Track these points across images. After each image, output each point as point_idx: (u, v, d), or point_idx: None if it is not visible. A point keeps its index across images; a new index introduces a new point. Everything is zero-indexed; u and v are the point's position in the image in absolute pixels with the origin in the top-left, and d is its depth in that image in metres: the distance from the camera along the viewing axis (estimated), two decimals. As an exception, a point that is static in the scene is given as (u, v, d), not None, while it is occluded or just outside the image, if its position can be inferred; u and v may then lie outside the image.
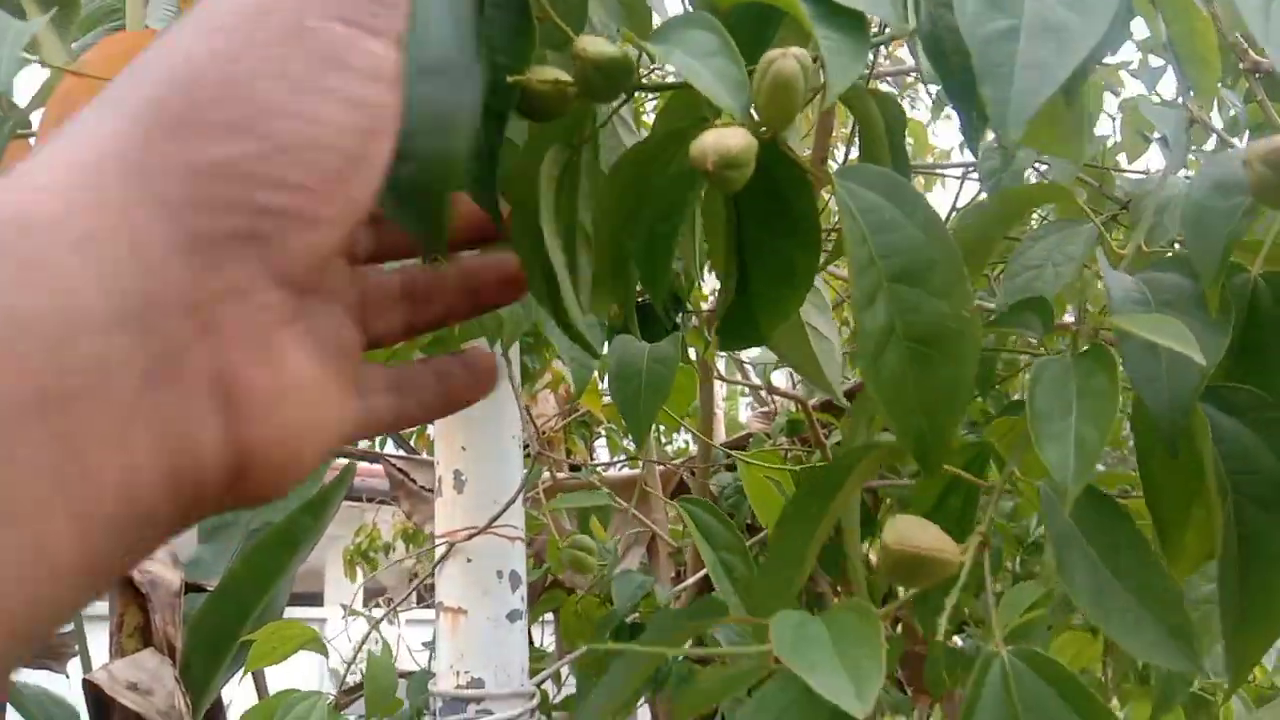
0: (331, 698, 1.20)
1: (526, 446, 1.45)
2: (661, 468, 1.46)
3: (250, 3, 0.23)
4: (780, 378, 1.59)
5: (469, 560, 1.44)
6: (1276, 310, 0.36)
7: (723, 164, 0.30)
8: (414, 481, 1.41)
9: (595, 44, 0.32)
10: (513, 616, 1.34)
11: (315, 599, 4.80)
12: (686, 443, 1.76)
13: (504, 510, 1.41)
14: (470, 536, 1.41)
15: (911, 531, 0.32)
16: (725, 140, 0.30)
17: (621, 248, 0.35)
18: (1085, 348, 0.39)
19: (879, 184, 0.33)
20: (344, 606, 1.40)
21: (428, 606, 1.59)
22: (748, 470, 1.09)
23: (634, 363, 0.63)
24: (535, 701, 1.32)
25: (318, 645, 1.23)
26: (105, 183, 0.21)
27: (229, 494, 0.22)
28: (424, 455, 1.55)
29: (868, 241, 0.32)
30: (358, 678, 1.26)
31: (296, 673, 1.19)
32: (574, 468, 1.61)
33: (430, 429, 1.64)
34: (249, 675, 1.35)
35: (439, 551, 1.44)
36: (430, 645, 1.46)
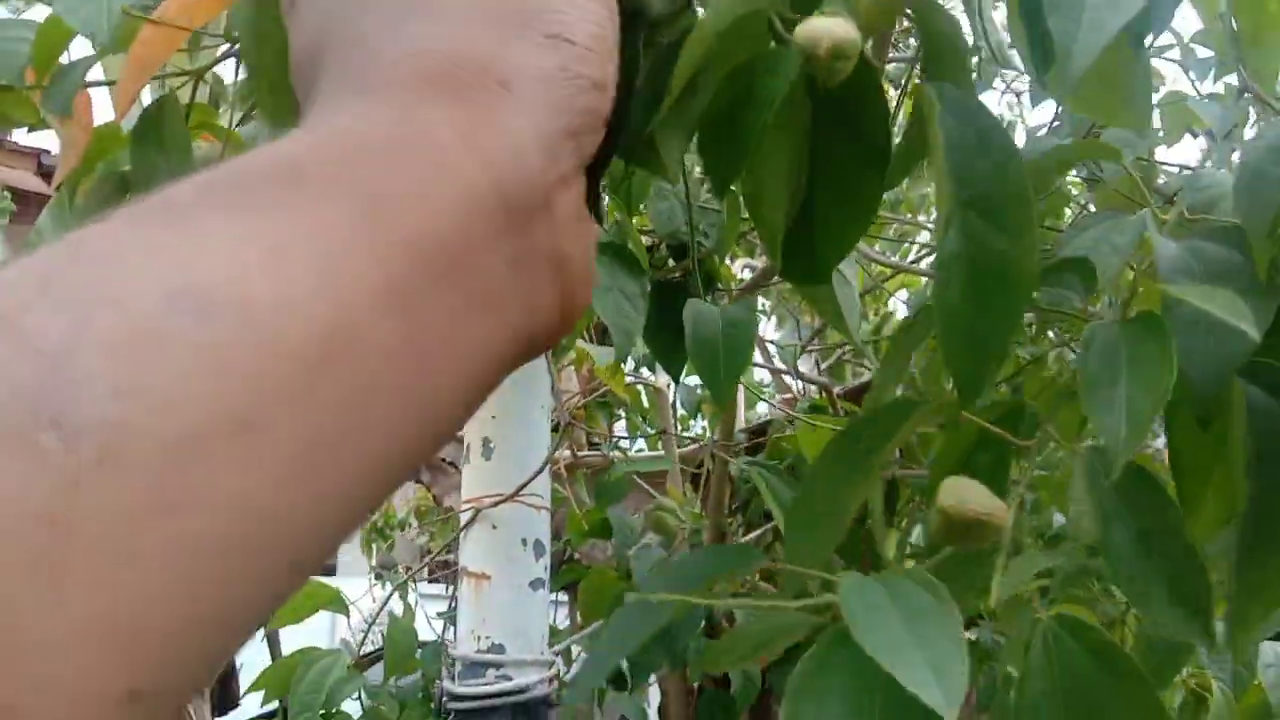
0: (349, 657, 1.22)
1: (554, 419, 1.46)
2: (681, 450, 1.47)
3: None
4: (805, 364, 1.59)
5: (494, 527, 1.45)
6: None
7: (836, 53, 0.30)
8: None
9: None
10: (535, 585, 1.35)
11: (329, 570, 4.86)
12: (704, 429, 1.77)
13: (532, 478, 1.42)
14: (497, 503, 1.42)
15: (968, 494, 0.32)
16: (837, 28, 0.30)
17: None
18: (1135, 314, 0.39)
19: (967, 111, 0.33)
20: (372, 569, 1.42)
21: (437, 581, 1.61)
22: (806, 433, 1.10)
23: (709, 327, 0.63)
24: (555, 670, 1.33)
25: (339, 605, 1.25)
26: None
27: (549, 341, 0.27)
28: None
29: (941, 161, 0.32)
30: (368, 646, 1.27)
31: (307, 636, 1.20)
32: (593, 445, 1.62)
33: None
34: (264, 638, 1.36)
35: (464, 517, 1.45)
36: (444, 615, 1.47)
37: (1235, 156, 1.15)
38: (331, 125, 0.24)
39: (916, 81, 0.33)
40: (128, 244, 0.20)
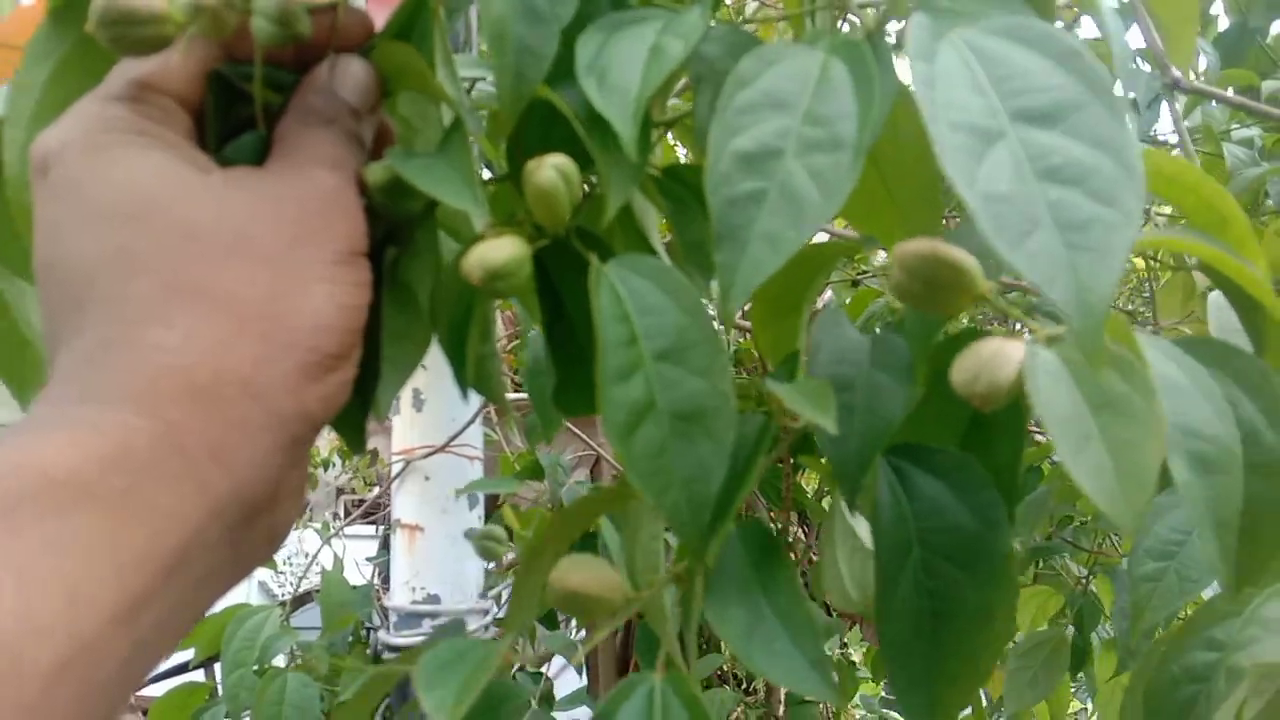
0: (282, 609, 1.30)
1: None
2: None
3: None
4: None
5: (427, 478, 1.53)
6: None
7: (488, 277, 0.35)
8: (361, 399, 1.48)
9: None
10: (470, 534, 1.43)
11: None
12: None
13: (463, 429, 1.49)
14: (429, 454, 1.49)
15: (577, 569, 0.37)
16: (490, 253, 0.35)
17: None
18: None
19: (647, 271, 0.37)
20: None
21: (369, 522, 1.69)
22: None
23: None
24: (492, 615, 1.42)
25: (268, 561, 1.33)
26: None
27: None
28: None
29: (630, 320, 0.36)
30: (291, 590, 1.35)
31: None
32: (520, 387, 1.68)
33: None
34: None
35: (395, 469, 1.52)
36: (374, 560, 1.56)
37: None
38: (92, 431, 0.29)
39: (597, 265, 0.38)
40: None
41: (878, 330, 0.43)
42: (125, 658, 0.27)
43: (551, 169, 0.36)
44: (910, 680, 0.37)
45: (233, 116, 0.38)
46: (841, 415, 0.39)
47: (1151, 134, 1.19)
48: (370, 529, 1.71)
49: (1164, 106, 1.27)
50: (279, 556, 1.52)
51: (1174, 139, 1.26)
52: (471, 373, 0.40)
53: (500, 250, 0.35)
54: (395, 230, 0.39)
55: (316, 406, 0.32)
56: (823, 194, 0.34)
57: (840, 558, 0.45)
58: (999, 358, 0.30)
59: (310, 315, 0.32)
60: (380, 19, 0.41)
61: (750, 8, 0.89)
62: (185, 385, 0.30)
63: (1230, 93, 1.18)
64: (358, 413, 0.39)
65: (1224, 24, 1.29)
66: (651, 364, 0.36)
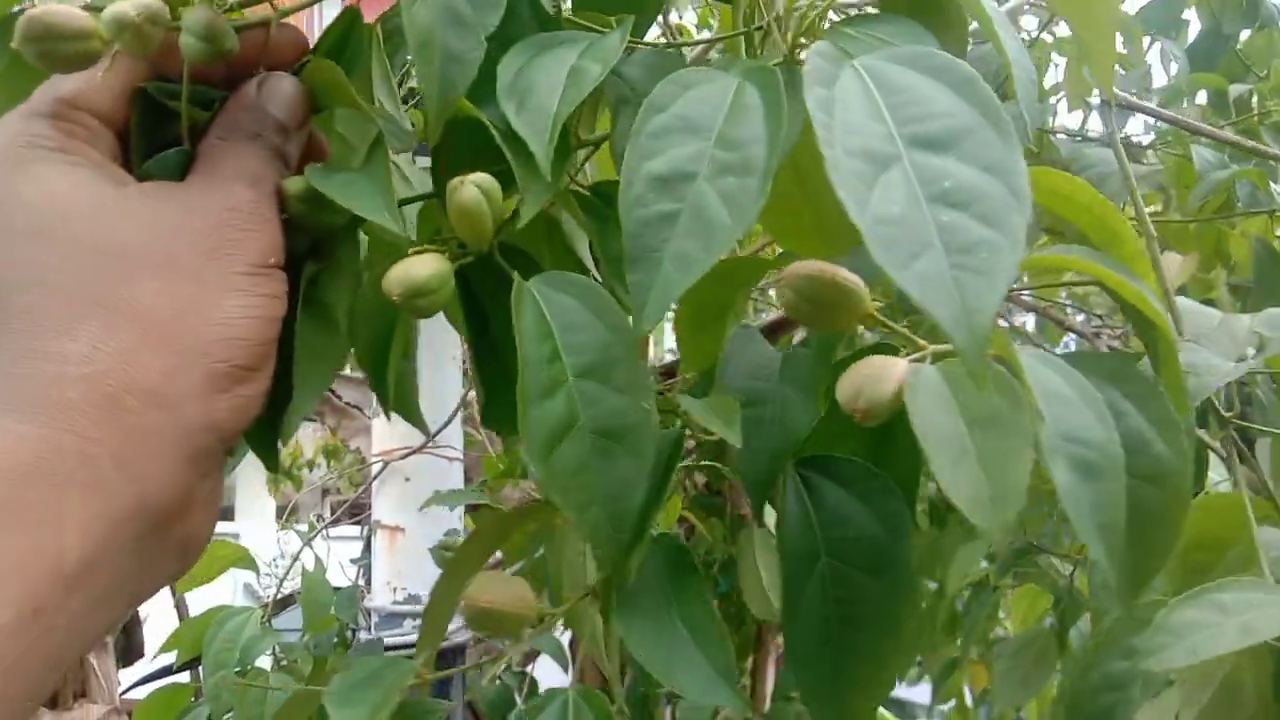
0: (263, 611, 1.31)
1: (465, 364, 1.52)
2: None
3: None
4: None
5: (407, 479, 1.54)
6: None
7: (408, 294, 0.36)
8: (339, 397, 1.49)
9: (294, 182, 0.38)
10: (450, 535, 1.44)
11: (226, 513, 5.09)
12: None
13: (442, 429, 1.50)
14: (406, 455, 1.50)
15: (490, 587, 0.38)
16: (411, 270, 0.36)
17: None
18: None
19: (571, 288, 0.38)
20: (279, 521, 1.51)
21: (354, 523, 1.70)
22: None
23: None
24: (472, 615, 1.43)
25: (247, 562, 1.34)
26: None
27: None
28: (350, 372, 1.64)
29: (554, 338, 0.37)
30: (274, 592, 1.36)
31: (211, 584, 1.29)
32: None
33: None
34: (173, 601, 1.44)
35: (375, 469, 1.53)
36: (358, 562, 1.57)
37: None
38: (4, 437, 0.30)
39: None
40: None
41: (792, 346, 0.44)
42: (20, 659, 0.28)
43: (473, 186, 0.37)
44: (819, 688, 0.38)
45: (161, 134, 0.39)
46: (751, 428, 0.40)
47: (1122, 137, 1.20)
48: (356, 530, 1.73)
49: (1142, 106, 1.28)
50: (264, 558, 1.52)
51: (1145, 139, 1.27)
52: (392, 392, 0.42)
53: (421, 268, 0.36)
54: (317, 245, 0.40)
55: (225, 418, 0.33)
56: (733, 216, 0.35)
57: (761, 565, 0.46)
58: (880, 375, 0.32)
59: (221, 326, 0.33)
60: (370, 15, 0.42)
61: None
62: (91, 395, 0.31)
63: (1202, 97, 1.19)
64: (270, 430, 0.40)
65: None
66: (574, 381, 0.37)
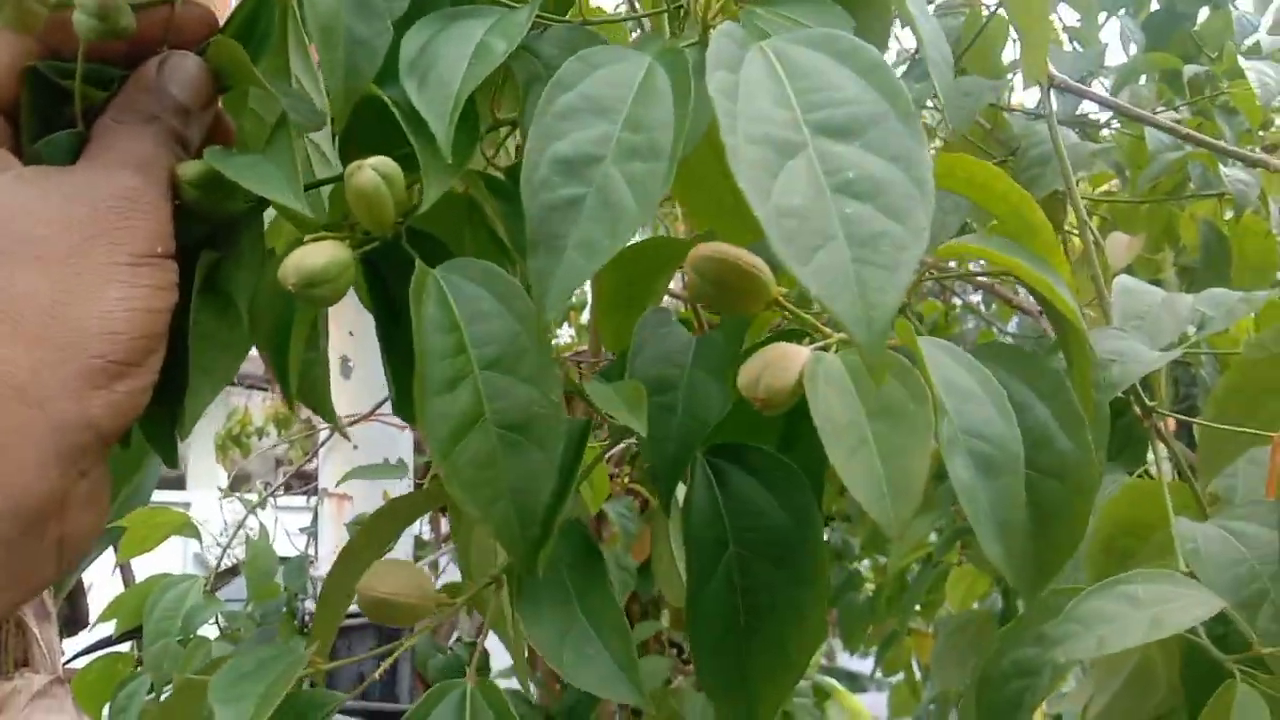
0: (205, 579, 1.30)
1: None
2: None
3: None
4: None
5: (355, 447, 1.53)
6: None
7: (304, 283, 0.35)
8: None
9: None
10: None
11: (178, 482, 5.05)
12: (573, 337, 1.83)
13: (388, 398, 1.48)
14: (355, 422, 1.49)
15: (386, 576, 0.38)
16: (306, 259, 0.35)
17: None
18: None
19: (479, 275, 0.37)
20: (220, 490, 1.49)
21: (302, 493, 1.69)
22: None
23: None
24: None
25: (190, 529, 1.32)
26: None
27: None
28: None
29: (460, 329, 0.36)
30: (227, 562, 1.35)
31: (159, 554, 1.28)
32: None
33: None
34: (116, 568, 1.43)
35: (323, 436, 1.52)
36: (307, 530, 1.56)
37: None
38: None
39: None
40: None
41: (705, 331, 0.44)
42: None
43: (370, 170, 0.36)
44: (725, 678, 0.38)
45: (57, 115, 0.38)
46: (661, 416, 0.39)
47: (1080, 114, 1.20)
48: (304, 500, 1.71)
49: (1097, 83, 1.28)
50: (214, 529, 1.51)
51: (1103, 116, 1.27)
52: (295, 383, 0.40)
53: (317, 255, 0.35)
54: (217, 233, 0.39)
55: (102, 415, 0.32)
56: (639, 202, 0.34)
57: (676, 553, 0.46)
58: (781, 364, 0.31)
59: (97, 319, 0.32)
60: None
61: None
62: None
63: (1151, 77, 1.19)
64: (167, 422, 0.39)
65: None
66: (481, 373, 0.36)
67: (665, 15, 0.44)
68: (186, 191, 0.36)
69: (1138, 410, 0.69)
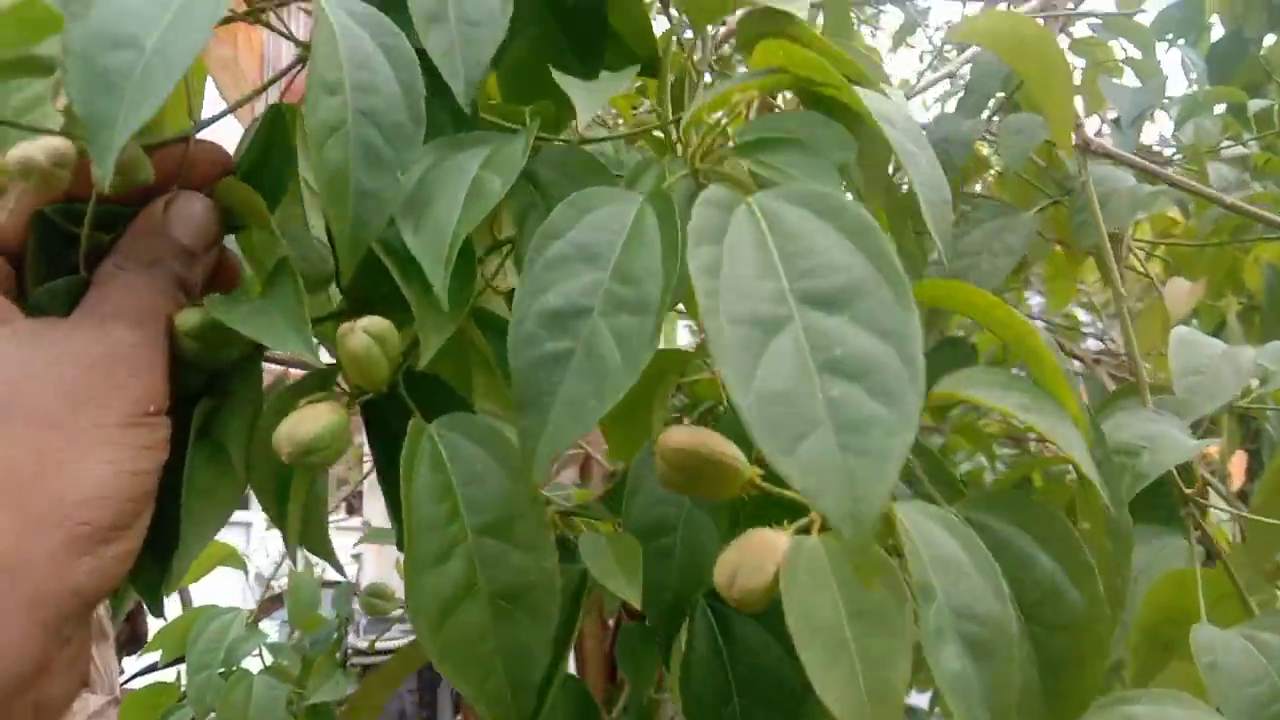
0: (249, 612, 1.31)
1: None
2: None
3: None
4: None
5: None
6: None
7: (298, 452, 0.34)
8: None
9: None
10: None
11: (242, 501, 5.13)
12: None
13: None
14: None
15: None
16: (299, 427, 0.34)
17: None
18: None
19: (479, 435, 0.36)
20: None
21: (357, 513, 1.71)
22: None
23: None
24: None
25: (236, 561, 1.34)
26: None
27: None
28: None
29: (454, 494, 0.35)
30: (282, 585, 1.36)
31: (219, 572, 1.29)
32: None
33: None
34: (177, 592, 1.45)
35: (367, 467, 1.53)
36: (358, 556, 1.57)
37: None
38: None
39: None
40: None
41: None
42: None
43: (362, 334, 0.35)
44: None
45: (64, 256, 0.38)
46: (659, 562, 0.38)
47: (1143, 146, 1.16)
48: (358, 521, 1.73)
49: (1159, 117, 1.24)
50: (274, 548, 1.53)
51: (1166, 151, 1.23)
52: (295, 529, 0.40)
53: (312, 423, 0.34)
54: (215, 380, 0.39)
55: (87, 582, 0.32)
56: (625, 359, 0.33)
57: (675, 705, 0.45)
58: (756, 559, 0.30)
59: (85, 485, 0.32)
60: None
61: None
62: None
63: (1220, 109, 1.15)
64: (156, 572, 0.38)
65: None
66: (474, 539, 0.36)
67: (660, 135, 0.42)
68: (184, 343, 0.36)
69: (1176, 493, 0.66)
